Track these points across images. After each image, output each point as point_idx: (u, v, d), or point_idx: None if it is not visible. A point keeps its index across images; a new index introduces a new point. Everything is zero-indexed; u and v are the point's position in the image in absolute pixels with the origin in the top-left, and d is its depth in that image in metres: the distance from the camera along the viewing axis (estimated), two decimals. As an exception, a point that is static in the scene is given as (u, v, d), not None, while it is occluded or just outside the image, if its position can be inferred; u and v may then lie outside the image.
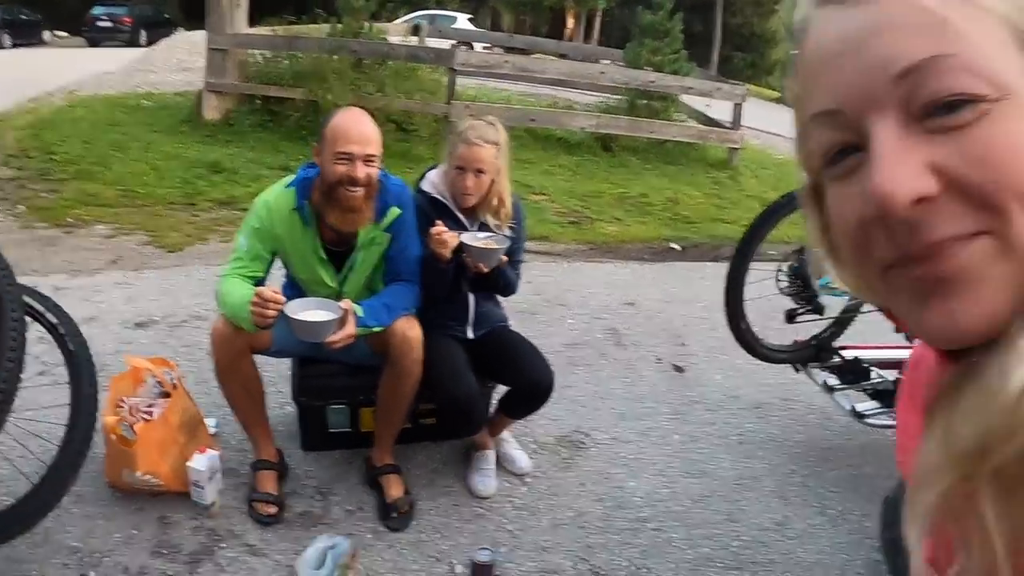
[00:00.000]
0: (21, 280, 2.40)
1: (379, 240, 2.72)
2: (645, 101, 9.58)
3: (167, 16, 30.91)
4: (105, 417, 2.67)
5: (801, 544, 2.81)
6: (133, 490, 2.75)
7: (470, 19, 28.70)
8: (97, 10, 28.12)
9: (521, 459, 3.13)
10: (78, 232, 6.11)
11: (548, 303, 4.93)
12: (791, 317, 3.33)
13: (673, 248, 6.75)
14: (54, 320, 2.57)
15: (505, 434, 3.19)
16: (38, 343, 2.61)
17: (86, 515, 2.69)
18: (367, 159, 2.51)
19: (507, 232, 2.90)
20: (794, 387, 3.94)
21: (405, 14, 23.75)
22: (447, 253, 2.65)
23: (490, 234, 2.85)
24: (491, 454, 3.08)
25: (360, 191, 2.52)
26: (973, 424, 0.46)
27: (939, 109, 0.47)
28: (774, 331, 3.46)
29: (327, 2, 10.10)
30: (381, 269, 2.82)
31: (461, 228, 2.85)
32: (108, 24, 27.70)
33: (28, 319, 2.43)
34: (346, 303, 2.49)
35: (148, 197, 6.96)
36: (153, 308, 4.49)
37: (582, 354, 4.24)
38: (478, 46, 18.45)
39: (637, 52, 9.92)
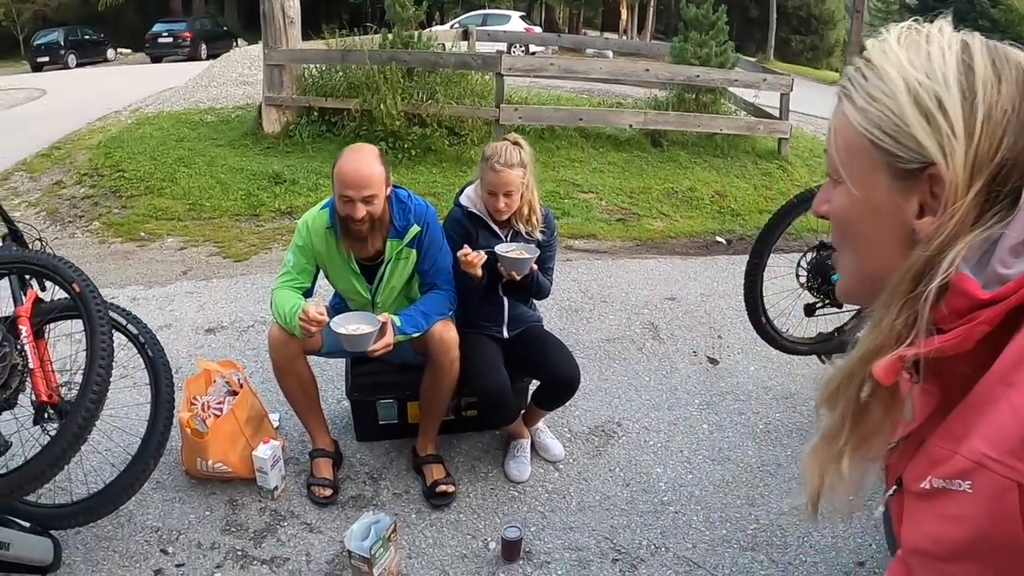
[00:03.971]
0: (102, 292, 2.76)
1: (405, 255, 3.02)
2: (693, 95, 9.67)
3: (226, 28, 31.80)
4: (181, 413, 3.04)
5: (817, 528, 2.97)
6: (206, 477, 3.11)
7: (523, 16, 28.91)
8: (158, 27, 29.07)
9: (555, 447, 3.40)
10: (150, 245, 6.56)
11: (591, 300, 5.16)
12: (810, 311, 3.50)
13: (719, 242, 6.87)
14: (135, 331, 2.93)
15: (540, 424, 3.46)
16: (120, 351, 2.94)
17: (165, 499, 3.07)
18: (365, 200, 2.79)
19: (538, 237, 3.16)
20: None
21: (457, 15, 24.05)
22: (477, 272, 2.94)
23: (522, 244, 3.11)
24: (526, 443, 3.35)
25: (364, 225, 2.84)
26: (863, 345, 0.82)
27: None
28: (801, 324, 3.63)
29: (378, 13, 10.36)
30: (417, 281, 3.12)
31: (496, 238, 3.15)
32: (169, 40, 28.59)
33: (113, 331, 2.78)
34: (384, 316, 2.80)
35: (214, 210, 7.39)
36: (222, 315, 4.87)
37: (620, 348, 4.46)
38: (529, 46, 18.66)
39: (682, 46, 9.99)
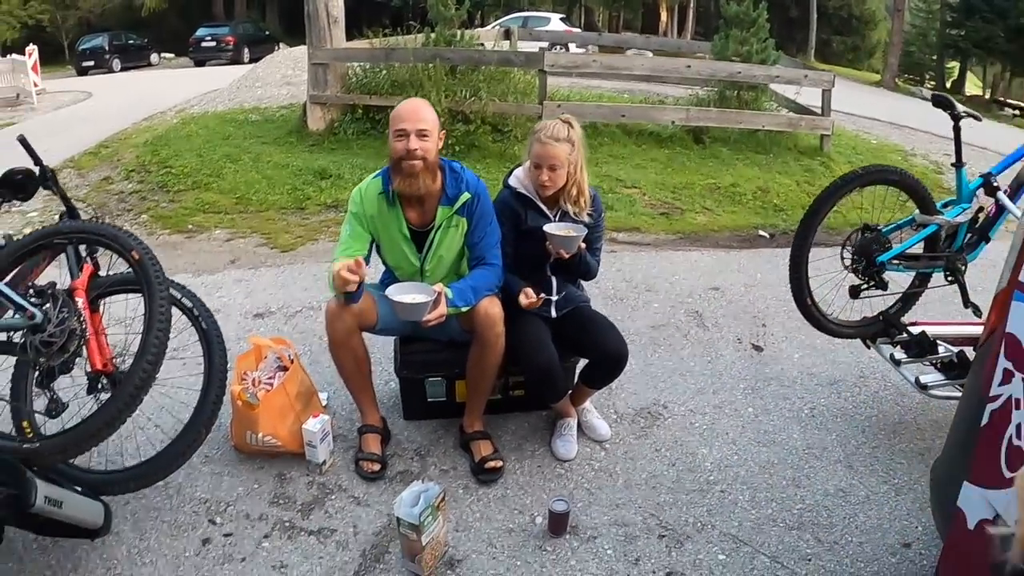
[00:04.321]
0: None
1: (455, 223, 3.07)
2: (735, 92, 9.64)
3: (268, 33, 32.26)
4: (232, 386, 3.10)
5: (863, 510, 2.96)
6: (255, 451, 3.17)
7: (563, 19, 28.94)
8: (201, 31, 29.67)
9: (601, 427, 3.41)
10: (198, 237, 6.67)
11: (635, 289, 5.17)
12: (855, 293, 3.48)
13: (762, 235, 6.83)
14: (188, 304, 3.01)
15: (587, 404, 3.48)
16: (175, 324, 3.03)
17: (214, 473, 3.14)
18: (419, 133, 2.90)
19: (586, 219, 3.19)
20: (870, 365, 4.07)
21: (498, 18, 24.15)
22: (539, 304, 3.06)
23: (570, 223, 3.14)
24: (573, 422, 3.37)
25: (418, 162, 2.91)
26: None
27: None
28: (845, 307, 3.62)
29: (420, 13, 10.46)
30: (465, 256, 3.16)
31: (544, 218, 3.19)
32: (212, 44, 29.15)
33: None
34: (438, 286, 2.83)
35: (261, 203, 7.49)
36: (270, 300, 4.96)
37: (665, 335, 4.46)
38: (571, 46, 18.67)
39: (723, 44, 9.95)
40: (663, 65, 10.58)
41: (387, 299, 2.79)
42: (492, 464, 3.09)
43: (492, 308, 2.99)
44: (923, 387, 3.29)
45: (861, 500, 3.03)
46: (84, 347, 2.64)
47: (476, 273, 3.06)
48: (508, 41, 13.02)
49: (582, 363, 3.40)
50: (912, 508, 2.98)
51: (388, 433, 3.32)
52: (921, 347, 3.46)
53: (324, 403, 3.51)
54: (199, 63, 28.50)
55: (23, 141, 3.19)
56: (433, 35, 9.68)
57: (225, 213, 7.28)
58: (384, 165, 3.06)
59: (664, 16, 36.37)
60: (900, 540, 2.82)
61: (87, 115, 13.85)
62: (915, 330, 3.52)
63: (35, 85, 17.23)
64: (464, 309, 2.95)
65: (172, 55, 32.76)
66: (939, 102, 3.58)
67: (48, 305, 2.59)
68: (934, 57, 33.84)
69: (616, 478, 3.13)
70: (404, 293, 2.79)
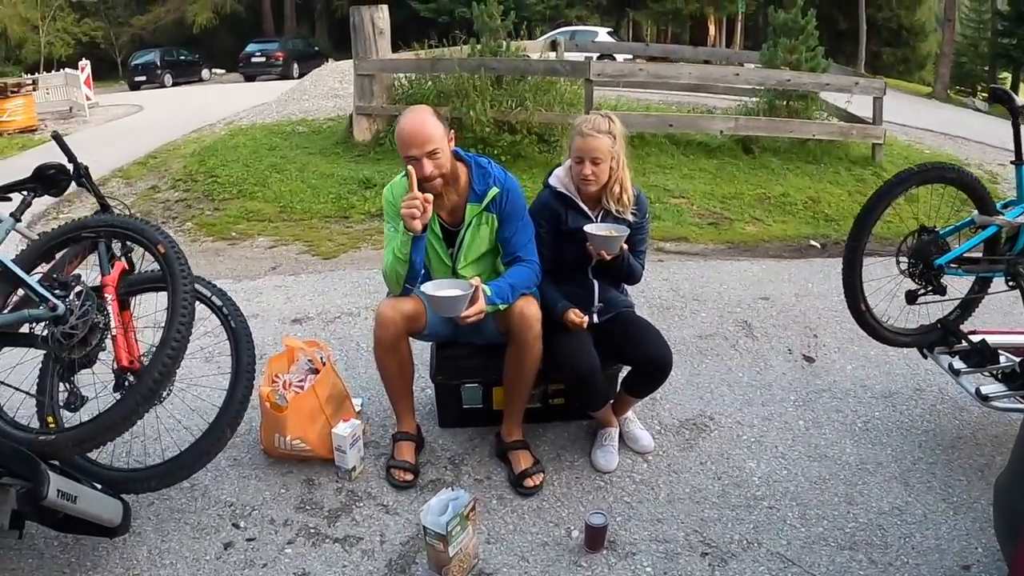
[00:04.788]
0: None
1: (485, 220, 2.97)
2: (784, 102, 9.43)
3: (317, 49, 32.77)
4: (261, 388, 3.05)
5: (920, 529, 2.78)
6: (284, 456, 3.10)
7: (610, 32, 28.83)
8: (251, 47, 30.30)
9: (644, 438, 3.26)
10: (241, 244, 6.72)
11: (682, 298, 5.01)
12: (912, 298, 3.30)
13: (813, 245, 6.65)
14: (218, 303, 2.95)
15: (630, 414, 3.34)
16: (205, 323, 3.01)
17: (242, 476, 3.08)
18: (430, 155, 2.77)
19: (629, 218, 3.07)
20: (926, 377, 3.87)
21: (545, 32, 24.14)
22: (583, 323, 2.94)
23: (611, 224, 3.02)
24: (615, 432, 3.23)
25: (437, 182, 2.82)
26: None
27: None
28: (901, 314, 3.45)
29: (467, 26, 10.45)
30: (498, 253, 3.05)
31: (585, 218, 3.07)
32: (262, 59, 29.75)
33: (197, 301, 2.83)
34: (475, 280, 2.73)
35: (305, 212, 7.54)
36: (308, 306, 4.92)
37: (712, 345, 4.30)
38: (619, 57, 18.56)
39: (772, 52, 9.73)
40: (711, 73, 10.42)
41: (423, 295, 2.70)
42: (531, 481, 2.97)
43: (528, 308, 2.87)
44: (984, 399, 3.08)
45: (918, 519, 2.84)
46: (107, 342, 2.62)
47: (513, 271, 2.94)
48: (554, 52, 12.95)
49: (625, 371, 3.26)
50: (972, 528, 2.79)
51: (422, 441, 3.23)
52: (982, 356, 3.26)
53: (358, 408, 3.43)
54: (249, 78, 29.00)
55: (57, 138, 3.21)
56: (479, 46, 9.64)
57: (269, 221, 7.36)
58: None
59: (712, 30, 36.10)
60: (959, 562, 2.63)
61: (137, 127, 14.16)
62: (975, 338, 3.32)
63: (87, 99, 17.68)
64: (502, 307, 2.84)
65: (223, 71, 33.48)
66: (997, 96, 3.39)
67: (71, 297, 2.59)
68: (986, 68, 33.08)
69: (658, 492, 2.98)
70: (440, 289, 2.69)
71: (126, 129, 14.11)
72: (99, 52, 33.67)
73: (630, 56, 18.68)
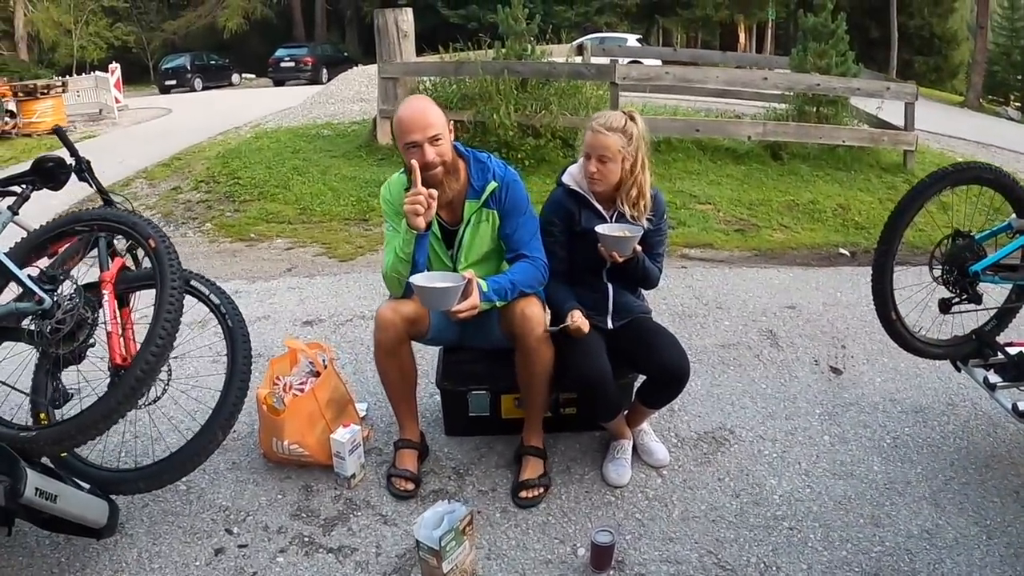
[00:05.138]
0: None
1: (485, 216, 2.83)
2: (814, 108, 9.22)
3: (347, 54, 32.91)
4: (260, 389, 2.95)
5: (951, 555, 2.59)
6: (283, 460, 3.00)
7: (639, 40, 28.67)
8: (280, 52, 30.57)
9: (659, 451, 3.10)
10: (259, 245, 6.69)
11: (705, 306, 4.86)
12: (945, 307, 3.11)
13: (843, 253, 6.47)
14: (216, 301, 2.87)
15: (645, 426, 3.18)
16: (202, 322, 2.95)
17: (239, 480, 2.98)
18: (432, 140, 2.63)
19: (645, 225, 2.92)
20: (959, 391, 3.68)
21: (574, 39, 24.02)
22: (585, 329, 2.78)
23: (625, 224, 2.88)
24: (628, 444, 3.08)
25: (438, 169, 2.68)
26: None
27: None
28: (934, 324, 3.28)
29: (493, 30, 10.38)
30: (502, 253, 2.91)
31: (599, 218, 2.93)
32: (291, 64, 29.95)
33: (195, 300, 2.82)
34: (469, 273, 2.59)
35: (324, 214, 7.51)
36: (321, 309, 4.84)
37: (735, 354, 4.13)
38: (645, 62, 18.39)
39: (802, 56, 9.50)
40: (739, 77, 10.21)
41: (411, 286, 2.56)
42: (527, 493, 2.82)
43: (529, 308, 2.72)
44: (1021, 415, 2.90)
45: (949, 543, 2.65)
46: (94, 336, 2.59)
47: (516, 267, 2.80)
48: (581, 57, 12.83)
49: (641, 380, 3.09)
50: (1006, 554, 2.60)
51: (426, 449, 3.09)
52: (1019, 370, 3.07)
53: (362, 414, 3.31)
54: (278, 83, 29.20)
55: (59, 132, 3.19)
56: (504, 50, 9.54)
57: (288, 223, 7.33)
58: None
59: (743, 38, 35.91)
60: (994, 592, 2.45)
61: (165, 130, 14.26)
62: (1012, 350, 3.13)
63: (117, 101, 17.90)
64: (499, 304, 2.70)
65: (253, 76, 33.79)
66: None
67: (61, 292, 2.56)
68: (1019, 76, 32.51)
69: (671, 509, 2.82)
70: (431, 282, 2.55)
71: (153, 131, 14.23)
72: (131, 56, 34.09)
73: (658, 62, 18.47)
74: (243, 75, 33.61)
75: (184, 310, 2.56)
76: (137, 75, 32.61)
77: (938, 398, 3.67)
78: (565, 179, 3.00)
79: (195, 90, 29.07)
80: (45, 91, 15.41)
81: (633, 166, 2.88)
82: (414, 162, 2.61)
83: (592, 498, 2.88)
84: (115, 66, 18.57)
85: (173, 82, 29.65)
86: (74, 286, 2.57)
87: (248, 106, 16.85)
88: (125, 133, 14.54)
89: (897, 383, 3.81)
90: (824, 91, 8.88)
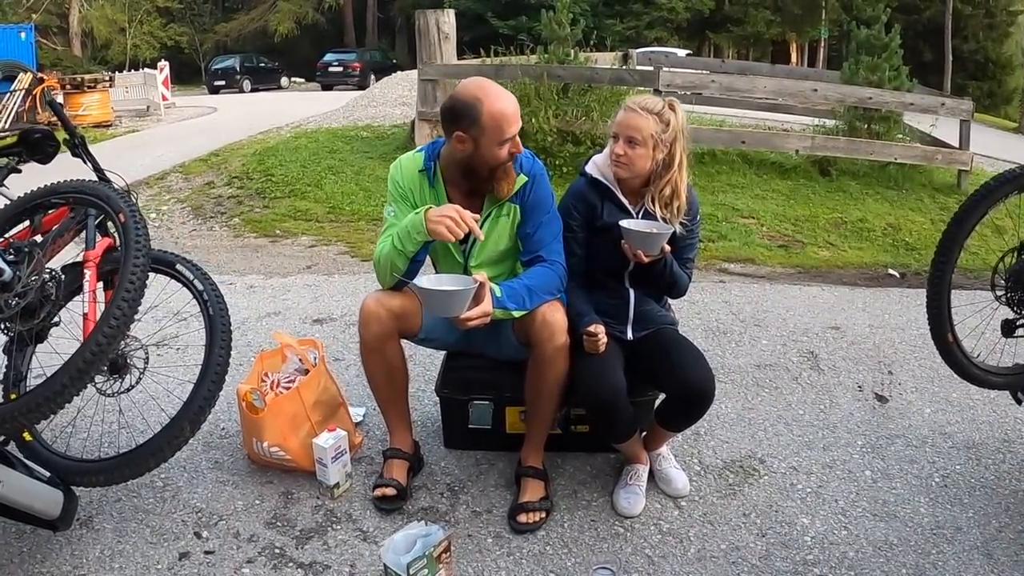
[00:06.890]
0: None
1: (507, 211, 2.58)
2: (865, 124, 8.84)
3: (395, 61, 33.31)
4: (240, 385, 2.77)
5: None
6: (267, 463, 2.79)
7: (689, 54, 28.39)
8: (329, 56, 31.20)
9: (678, 479, 2.79)
10: (283, 242, 6.62)
11: (742, 323, 4.56)
12: (1009, 329, 2.77)
13: (892, 274, 6.12)
14: (200, 287, 2.71)
15: (664, 450, 2.87)
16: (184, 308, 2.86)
17: (218, 480, 2.81)
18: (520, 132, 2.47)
19: (677, 228, 2.64)
20: (1016, 426, 3.34)
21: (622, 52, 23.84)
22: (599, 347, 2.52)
23: (653, 222, 2.60)
24: (643, 470, 2.78)
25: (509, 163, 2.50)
26: None
27: None
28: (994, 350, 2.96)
29: (538, 36, 10.20)
30: (517, 251, 2.65)
31: (624, 212, 2.66)
32: (339, 69, 30.55)
33: (179, 285, 2.73)
34: (481, 276, 2.34)
35: (353, 214, 7.46)
36: (334, 307, 4.69)
37: (771, 376, 3.82)
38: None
39: (853, 70, 9.10)
40: (787, 88, 9.82)
41: (414, 288, 2.34)
42: (525, 517, 2.54)
43: (553, 314, 2.45)
44: None
45: (1004, 602, 2.31)
46: (58, 316, 2.52)
47: (533, 271, 2.53)
48: (625, 64, 12.59)
49: (662, 399, 2.80)
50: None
51: (420, 461, 2.84)
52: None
53: (357, 419, 3.08)
54: (326, 87, 29.56)
55: (53, 103, 3.16)
56: (546, 55, 9.34)
57: (315, 221, 7.30)
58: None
59: (794, 56, 35.42)
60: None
61: (208, 127, 14.45)
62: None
63: (164, 98, 18.20)
64: (516, 314, 2.43)
65: (301, 79, 34.28)
66: None
67: (26, 266, 2.44)
68: (1074, 103, 31.84)
69: (687, 546, 2.51)
70: (438, 284, 2.31)
71: (196, 129, 14.42)
72: (183, 57, 34.90)
73: (705, 72, 18.15)
74: (292, 79, 34.08)
75: (172, 297, 2.50)
76: (188, 75, 33.25)
77: (993, 433, 3.32)
78: (588, 168, 2.73)
79: (243, 91, 29.56)
80: (92, 85, 15.60)
81: (669, 160, 2.59)
82: (503, 153, 2.44)
83: (598, 528, 2.59)
84: (164, 64, 18.90)
85: (222, 83, 30.25)
86: (37, 259, 2.46)
87: (293, 108, 17.02)
88: (168, 129, 14.74)
89: (948, 415, 3.47)
90: (876, 104, 8.51)
